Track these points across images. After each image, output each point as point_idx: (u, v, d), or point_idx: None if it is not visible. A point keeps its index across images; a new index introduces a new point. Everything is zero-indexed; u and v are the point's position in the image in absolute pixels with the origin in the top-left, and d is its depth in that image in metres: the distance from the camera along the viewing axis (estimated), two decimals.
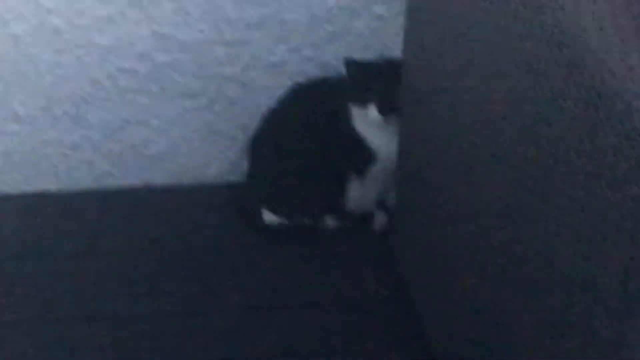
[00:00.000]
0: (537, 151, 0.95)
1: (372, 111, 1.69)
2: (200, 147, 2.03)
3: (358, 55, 1.78)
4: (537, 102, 0.94)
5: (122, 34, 1.86)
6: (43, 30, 1.84)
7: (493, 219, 1.13)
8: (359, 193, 1.85)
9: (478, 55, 1.13)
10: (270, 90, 1.91)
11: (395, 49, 1.72)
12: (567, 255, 0.90)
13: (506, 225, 1.08)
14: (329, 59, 1.92)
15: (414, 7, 1.47)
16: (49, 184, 2.04)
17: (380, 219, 1.90)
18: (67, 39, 1.86)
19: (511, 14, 0.99)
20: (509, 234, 1.06)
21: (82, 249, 1.83)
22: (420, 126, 1.50)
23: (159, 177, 2.05)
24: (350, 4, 1.87)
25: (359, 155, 1.79)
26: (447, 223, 1.36)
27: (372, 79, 1.70)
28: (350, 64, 1.74)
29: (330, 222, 1.89)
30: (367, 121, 1.73)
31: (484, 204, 1.16)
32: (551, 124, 0.90)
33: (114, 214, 1.97)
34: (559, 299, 0.93)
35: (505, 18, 1.01)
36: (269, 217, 1.88)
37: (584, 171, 0.84)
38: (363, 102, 1.70)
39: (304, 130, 1.80)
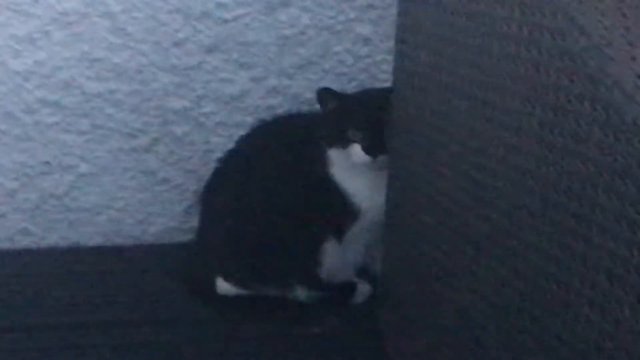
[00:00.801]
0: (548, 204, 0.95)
1: (356, 152, 1.58)
2: (139, 199, 1.93)
3: (337, 86, 1.73)
4: (544, 135, 0.96)
5: (44, 58, 1.78)
6: None
7: (506, 291, 1.08)
8: (337, 258, 1.71)
9: (484, 80, 1.10)
10: (227, 128, 1.85)
11: (383, 79, 1.77)
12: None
13: (523, 302, 1.03)
14: (301, 90, 1.85)
15: (406, 27, 1.42)
16: None
17: (363, 290, 1.75)
18: None
19: (513, 34, 1.01)
20: (526, 312, 1.03)
21: None
22: (414, 172, 1.41)
23: (88, 236, 1.95)
24: (329, 24, 1.81)
25: (338, 210, 1.67)
26: (449, 296, 1.28)
27: (354, 113, 1.61)
28: (325, 95, 1.64)
29: (301, 293, 1.72)
30: (347, 167, 1.62)
31: (494, 272, 1.11)
32: (561, 173, 0.92)
33: (31, 282, 1.81)
34: None
35: (505, 39, 1.03)
36: (223, 286, 1.73)
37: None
38: (343, 143, 1.60)
39: (269, 179, 1.69)
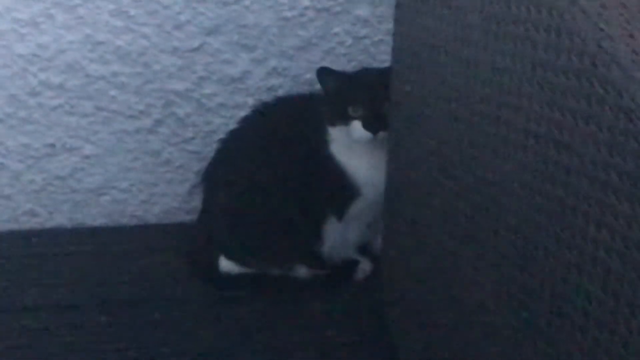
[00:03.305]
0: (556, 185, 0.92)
1: (357, 129, 1.58)
2: (142, 180, 1.93)
3: (337, 67, 1.70)
4: (545, 113, 0.93)
5: (48, 41, 1.75)
6: None
7: (508, 266, 1.06)
8: (338, 236, 1.73)
9: (483, 59, 1.09)
10: (228, 109, 1.85)
11: (381, 60, 1.73)
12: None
13: (526, 275, 1.01)
14: (301, 72, 1.84)
15: (404, 6, 1.40)
16: None
17: (364, 268, 1.77)
18: None
19: (514, 13, 0.99)
20: (529, 287, 1.00)
21: None
22: (414, 150, 1.39)
23: (92, 216, 1.95)
24: (328, 5, 1.78)
25: (338, 188, 1.68)
26: (451, 273, 1.26)
27: (354, 90, 1.61)
28: (325, 75, 1.64)
29: (302, 271, 1.74)
30: (348, 145, 1.63)
31: (497, 248, 1.09)
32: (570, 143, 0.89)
33: (36, 262, 1.81)
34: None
35: (505, 18, 1.01)
36: (226, 265, 1.75)
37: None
38: (344, 120, 1.60)
39: (270, 159, 1.69)
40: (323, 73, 1.63)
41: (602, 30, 0.80)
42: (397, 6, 1.41)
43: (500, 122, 1.04)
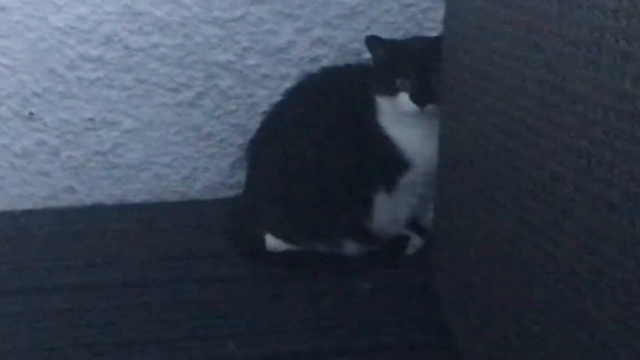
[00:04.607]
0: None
1: (404, 101, 1.55)
2: (184, 154, 1.94)
3: (384, 35, 1.66)
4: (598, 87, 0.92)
5: (85, 12, 1.76)
6: None
7: (570, 244, 1.03)
8: (388, 211, 1.70)
9: (546, 28, 1.06)
10: (273, 81, 1.85)
11: (429, 27, 1.75)
12: None
13: (591, 252, 0.99)
14: (347, 41, 1.83)
15: None
16: None
17: (414, 244, 1.74)
18: (15, 20, 1.78)
19: None
20: (592, 265, 0.99)
21: (36, 283, 1.66)
22: (467, 121, 1.36)
23: (133, 192, 1.96)
24: None
25: (388, 161, 1.65)
26: (505, 249, 1.24)
27: (402, 61, 1.57)
28: (374, 43, 1.61)
29: (351, 247, 1.71)
30: (397, 117, 1.60)
31: (557, 222, 1.06)
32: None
33: (77, 240, 1.81)
34: None
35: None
36: (272, 242, 1.73)
37: None
38: (392, 91, 1.57)
39: (317, 132, 1.66)
40: (372, 41, 1.60)
41: None
42: None
43: (564, 91, 1.02)
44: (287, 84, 1.74)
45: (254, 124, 1.77)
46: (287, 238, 1.72)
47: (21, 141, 1.87)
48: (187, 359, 1.48)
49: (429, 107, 1.54)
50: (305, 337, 1.53)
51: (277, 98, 1.74)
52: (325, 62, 1.81)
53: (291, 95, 1.72)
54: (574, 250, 1.01)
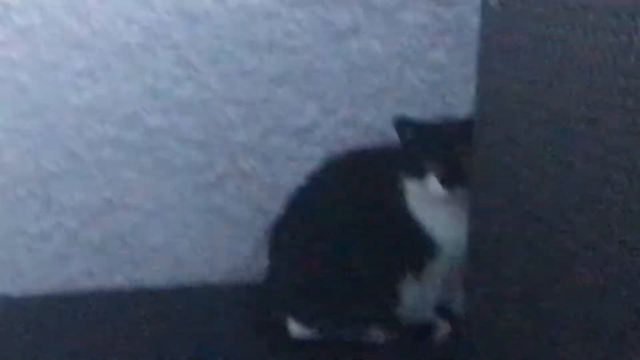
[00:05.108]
0: None
1: (433, 184, 1.56)
2: (205, 237, 1.93)
3: (411, 115, 1.68)
4: None
5: (105, 92, 1.79)
6: (4, 88, 1.78)
7: (604, 323, 1.04)
8: (416, 296, 1.67)
9: (575, 110, 1.09)
10: (297, 162, 1.86)
11: (459, 107, 1.73)
12: None
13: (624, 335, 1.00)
14: (373, 121, 1.86)
15: (489, 50, 1.39)
16: (10, 287, 1.90)
17: (442, 330, 1.70)
18: (34, 99, 1.78)
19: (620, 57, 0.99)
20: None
21: None
22: (499, 204, 1.36)
23: (152, 276, 1.94)
24: (401, 50, 1.82)
25: (416, 246, 1.64)
26: (539, 337, 1.23)
27: (431, 143, 1.59)
28: (401, 124, 1.62)
29: (378, 335, 1.67)
30: (425, 199, 1.60)
31: (594, 306, 1.07)
32: None
33: (94, 324, 1.77)
34: None
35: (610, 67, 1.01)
36: (296, 329, 1.69)
37: None
38: (420, 174, 1.58)
39: (343, 215, 1.65)
40: (400, 122, 1.60)
41: None
42: (481, 57, 1.41)
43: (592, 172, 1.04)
44: (311, 165, 1.73)
45: (277, 206, 1.73)
46: (310, 324, 1.69)
47: (39, 223, 1.87)
48: None
49: (459, 191, 1.53)
50: None
51: (301, 180, 1.73)
52: (350, 142, 1.81)
53: (315, 177, 1.72)
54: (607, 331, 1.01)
